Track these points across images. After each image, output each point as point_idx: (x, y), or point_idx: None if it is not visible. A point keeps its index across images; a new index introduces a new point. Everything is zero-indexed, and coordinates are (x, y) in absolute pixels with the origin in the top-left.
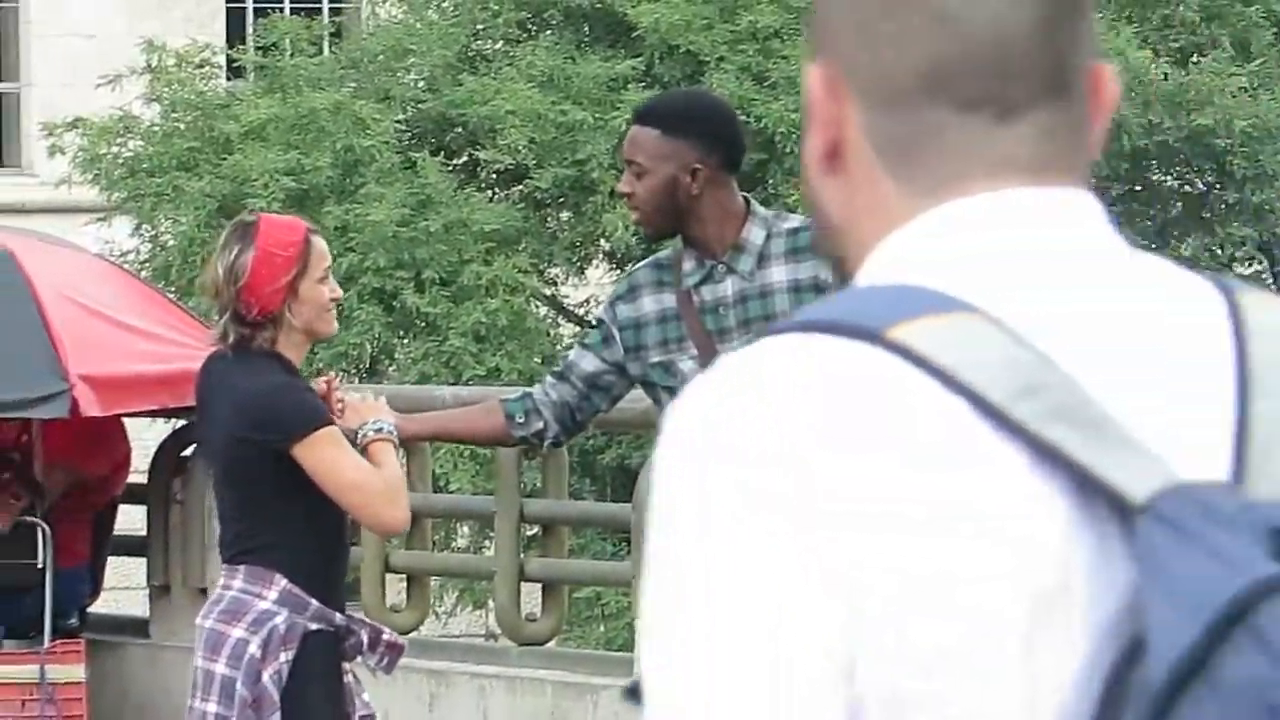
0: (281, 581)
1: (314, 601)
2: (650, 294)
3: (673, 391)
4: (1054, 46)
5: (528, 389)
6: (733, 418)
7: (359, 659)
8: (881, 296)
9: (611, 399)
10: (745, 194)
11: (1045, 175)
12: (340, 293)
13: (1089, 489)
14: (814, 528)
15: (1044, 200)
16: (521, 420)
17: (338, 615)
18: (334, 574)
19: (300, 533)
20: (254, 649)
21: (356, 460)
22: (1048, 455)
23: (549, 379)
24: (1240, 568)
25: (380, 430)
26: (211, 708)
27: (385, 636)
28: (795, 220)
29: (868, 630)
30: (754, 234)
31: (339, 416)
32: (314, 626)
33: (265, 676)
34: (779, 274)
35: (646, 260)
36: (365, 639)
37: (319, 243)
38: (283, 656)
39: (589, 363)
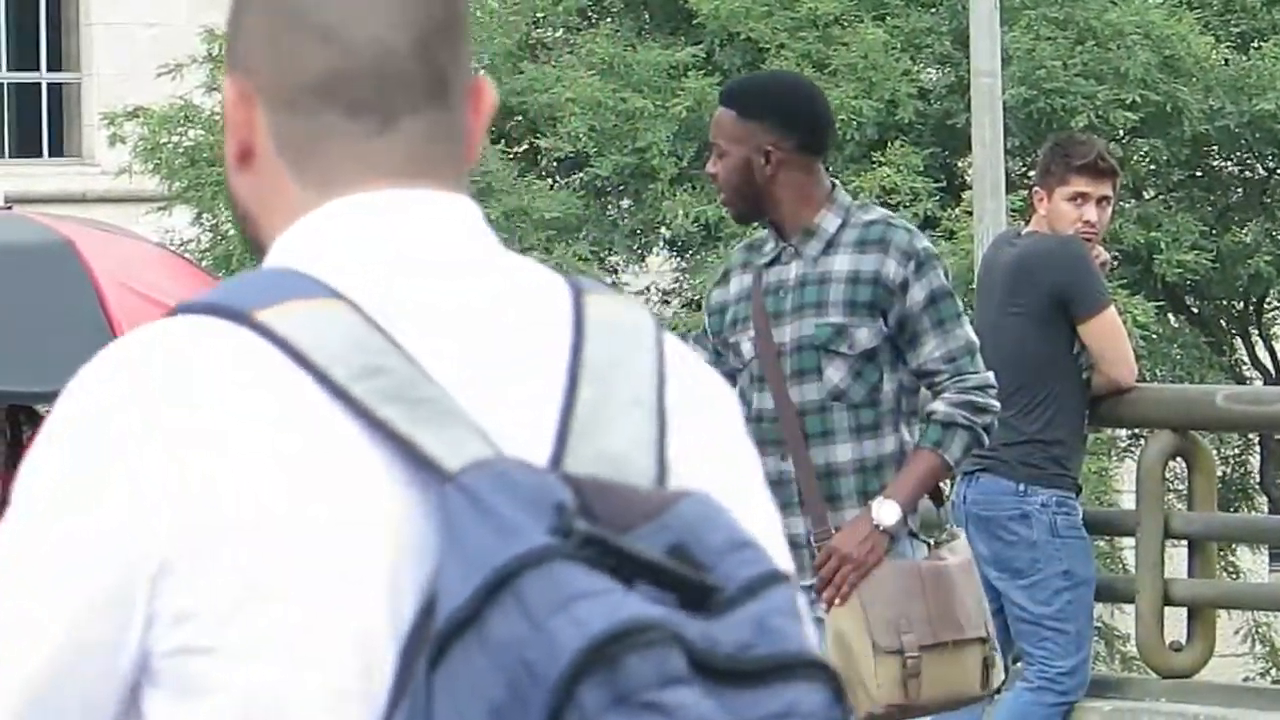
0: None
1: None
2: (737, 275)
3: (740, 375)
4: (431, 62)
5: None
6: (104, 389)
7: None
8: (259, 282)
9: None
10: (834, 180)
11: (422, 177)
12: None
13: (418, 462)
14: (157, 476)
15: (417, 200)
16: None
17: None
18: None
19: None
20: None
21: None
22: (381, 430)
23: None
24: (516, 537)
25: None
26: None
27: None
28: (876, 213)
29: (198, 575)
30: (828, 220)
31: None
32: None
33: None
34: (842, 263)
35: (744, 242)
36: None
37: None
38: None
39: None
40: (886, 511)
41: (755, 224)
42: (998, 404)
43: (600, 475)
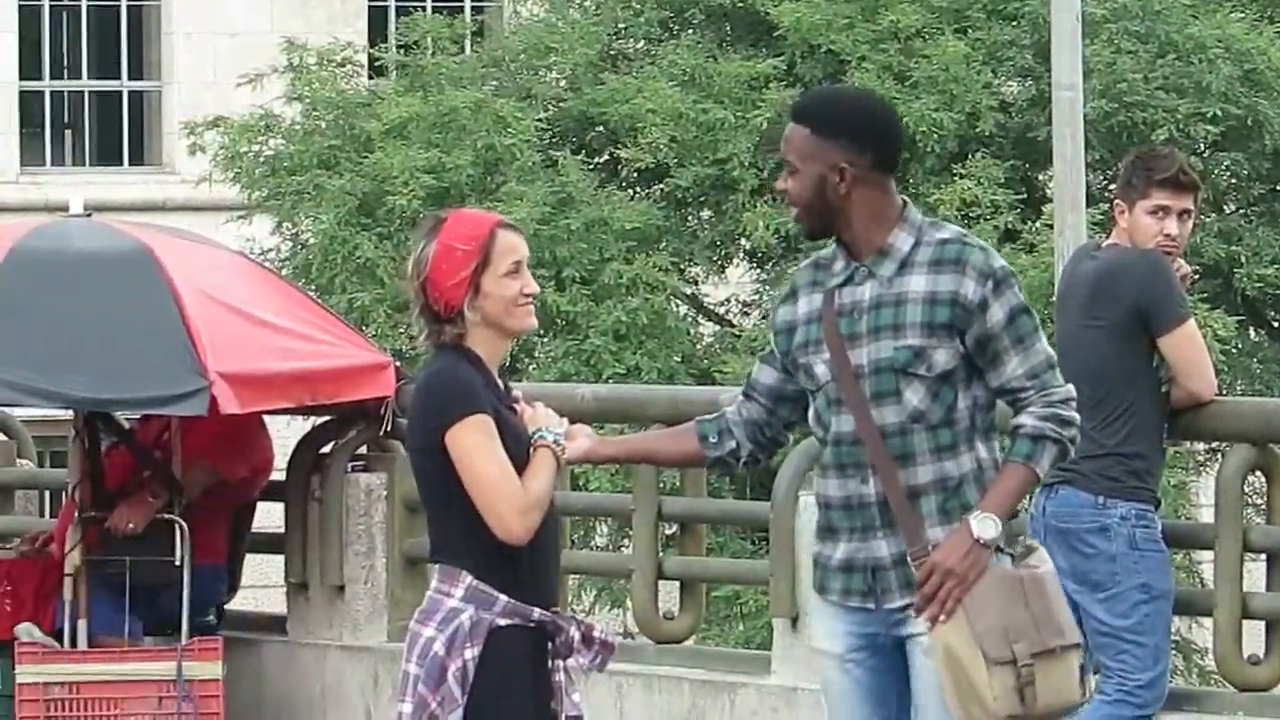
0: (467, 579)
1: (503, 597)
2: (805, 295)
3: (814, 396)
4: None
5: (726, 409)
6: None
7: (573, 657)
8: None
9: (802, 409)
10: (904, 198)
11: None
12: (535, 287)
13: None
14: None
15: None
16: (714, 441)
17: (536, 611)
18: (533, 568)
19: (486, 528)
20: (439, 647)
21: (497, 456)
22: None
23: (739, 397)
24: None
25: (544, 438)
26: (406, 708)
27: (597, 634)
28: (948, 230)
29: None
30: (901, 239)
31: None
32: (503, 622)
33: (449, 673)
34: (918, 283)
35: (809, 259)
36: (576, 636)
37: (506, 236)
38: (468, 653)
39: (767, 375)
40: (987, 526)
41: (823, 241)
42: (1079, 416)
43: None
